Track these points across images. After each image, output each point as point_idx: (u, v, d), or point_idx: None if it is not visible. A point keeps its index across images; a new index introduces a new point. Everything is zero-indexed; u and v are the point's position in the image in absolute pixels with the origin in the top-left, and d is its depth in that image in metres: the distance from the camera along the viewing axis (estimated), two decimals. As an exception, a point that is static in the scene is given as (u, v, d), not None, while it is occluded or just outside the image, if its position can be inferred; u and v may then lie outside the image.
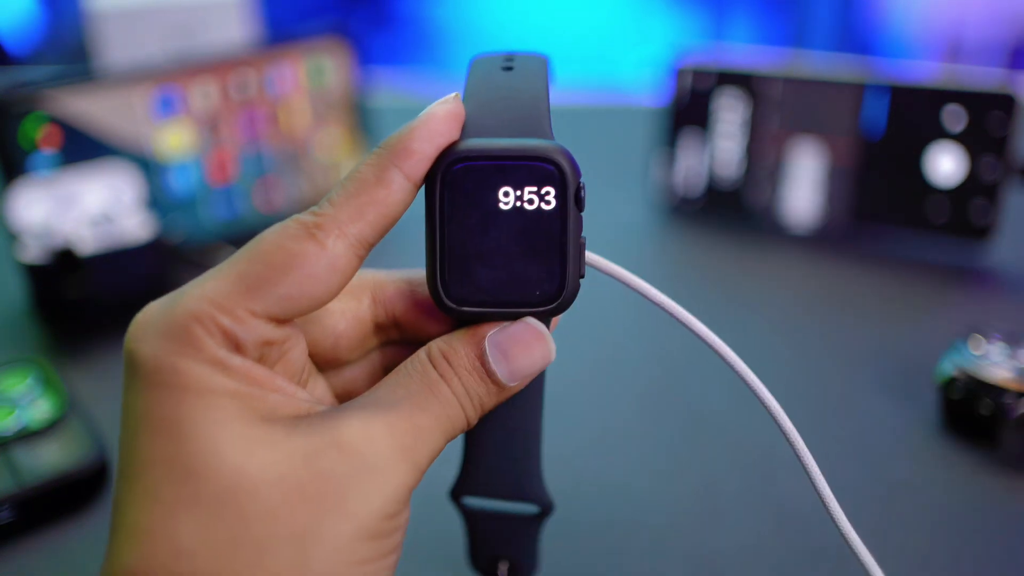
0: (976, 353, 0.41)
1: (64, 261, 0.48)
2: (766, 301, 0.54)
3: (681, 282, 0.57)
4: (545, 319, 0.25)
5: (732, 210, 0.63)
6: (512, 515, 0.30)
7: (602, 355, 0.48)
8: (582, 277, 0.25)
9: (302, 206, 0.62)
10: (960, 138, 0.54)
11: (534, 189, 0.24)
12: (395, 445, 0.23)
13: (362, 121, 0.64)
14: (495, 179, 0.24)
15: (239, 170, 0.60)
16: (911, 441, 0.41)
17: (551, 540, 0.35)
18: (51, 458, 0.38)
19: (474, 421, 0.25)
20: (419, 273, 0.27)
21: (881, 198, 0.58)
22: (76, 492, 0.38)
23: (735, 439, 0.41)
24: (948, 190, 0.55)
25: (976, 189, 0.54)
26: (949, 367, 0.41)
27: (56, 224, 0.49)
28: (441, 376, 0.24)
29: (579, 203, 0.24)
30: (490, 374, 0.25)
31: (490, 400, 0.25)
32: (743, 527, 0.36)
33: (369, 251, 0.24)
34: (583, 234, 0.24)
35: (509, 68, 0.27)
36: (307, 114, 0.62)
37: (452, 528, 0.32)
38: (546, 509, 0.29)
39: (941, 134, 0.55)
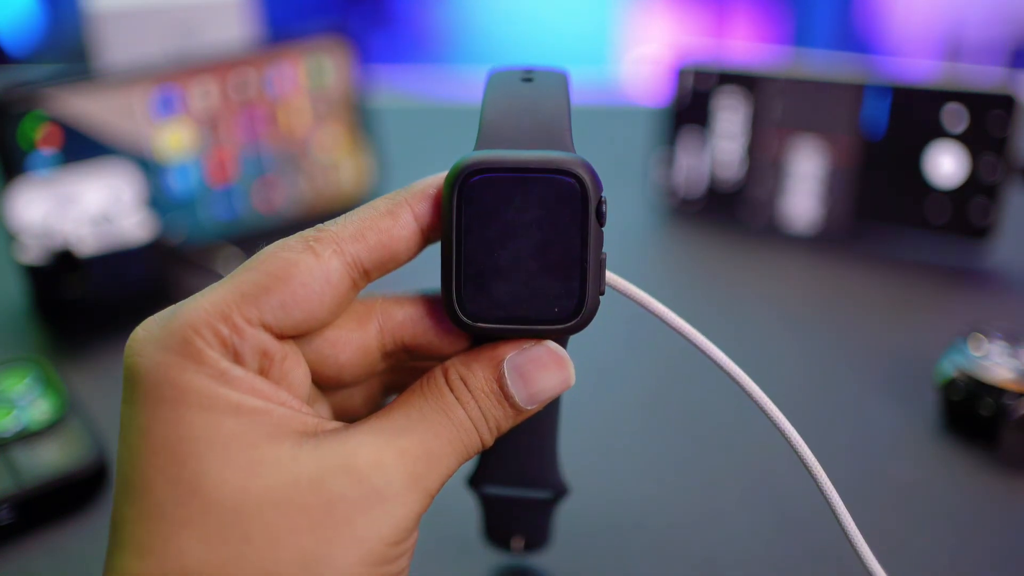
0: (976, 353, 0.41)
1: (63, 261, 0.48)
2: (766, 302, 0.54)
3: (681, 283, 0.57)
4: (563, 336, 0.25)
5: (732, 210, 0.63)
6: (528, 499, 0.30)
7: (603, 359, 0.48)
8: (602, 294, 0.24)
9: (302, 206, 0.62)
10: (961, 138, 0.54)
11: (554, 202, 0.23)
12: (407, 472, 0.23)
13: (362, 121, 0.64)
14: (514, 191, 0.23)
15: (239, 170, 0.60)
16: (911, 441, 0.41)
17: (553, 544, 0.35)
18: (51, 458, 0.38)
19: (489, 443, 0.25)
20: (433, 291, 0.27)
21: (882, 198, 0.58)
22: (76, 492, 0.38)
23: (736, 441, 0.41)
24: (948, 190, 0.55)
25: (976, 189, 0.54)
26: (949, 367, 0.41)
27: (55, 224, 0.49)
28: (457, 399, 0.24)
29: (600, 218, 0.23)
30: (508, 397, 0.24)
31: (506, 423, 0.25)
32: (744, 529, 0.36)
33: (366, 281, 0.24)
34: (604, 250, 0.24)
35: (528, 80, 0.27)
36: (307, 114, 0.62)
37: (464, 505, 0.32)
38: (561, 493, 0.30)
39: (941, 134, 0.55)
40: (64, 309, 0.49)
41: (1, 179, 0.51)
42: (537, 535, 0.32)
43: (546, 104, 0.26)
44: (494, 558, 0.34)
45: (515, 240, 0.23)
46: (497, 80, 0.27)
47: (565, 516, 0.36)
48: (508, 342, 0.25)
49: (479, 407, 0.24)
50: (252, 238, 0.60)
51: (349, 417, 0.28)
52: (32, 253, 0.48)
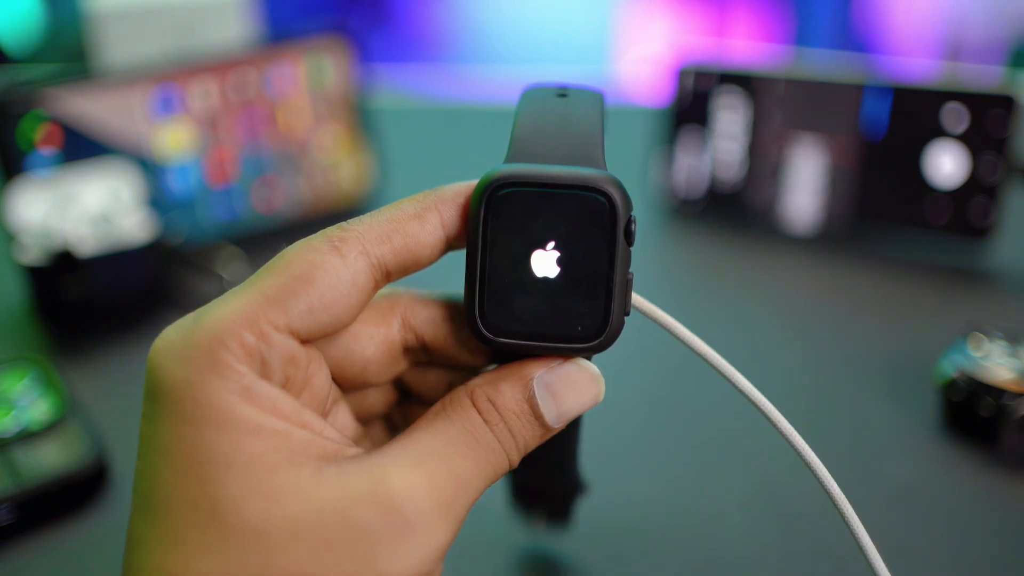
0: (976, 353, 0.41)
1: (63, 262, 0.48)
2: (766, 301, 0.54)
3: (682, 283, 0.57)
4: (585, 357, 0.25)
5: (733, 211, 0.63)
6: (549, 490, 0.31)
7: (604, 360, 0.48)
8: (627, 315, 0.24)
9: (302, 206, 0.62)
10: (961, 138, 0.54)
11: (582, 220, 0.23)
12: (435, 502, 0.22)
13: (362, 121, 0.64)
14: (542, 206, 0.23)
15: (239, 170, 0.60)
16: (911, 441, 0.41)
17: (552, 544, 0.35)
18: (51, 458, 0.38)
19: (516, 463, 0.24)
20: (457, 295, 0.26)
21: (882, 198, 0.58)
22: (76, 492, 0.38)
23: (736, 442, 0.41)
24: (948, 190, 0.55)
25: (976, 189, 0.54)
26: (949, 368, 0.41)
27: (55, 224, 0.49)
28: (486, 421, 0.23)
29: (628, 237, 0.23)
30: (538, 417, 0.24)
31: (534, 442, 0.24)
32: (744, 529, 0.36)
33: (386, 282, 0.24)
34: (631, 269, 0.23)
35: (563, 96, 0.27)
36: (307, 114, 0.62)
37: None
38: (579, 489, 0.31)
39: (942, 134, 0.55)
40: (64, 309, 0.49)
41: (1, 179, 0.51)
42: (559, 516, 0.32)
43: (579, 120, 0.25)
44: (507, 556, 0.34)
45: (540, 256, 0.23)
46: (531, 95, 0.27)
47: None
48: (534, 360, 0.24)
49: (508, 428, 0.23)
50: (252, 238, 0.60)
51: (370, 419, 0.28)
52: (32, 253, 0.48)
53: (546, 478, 0.30)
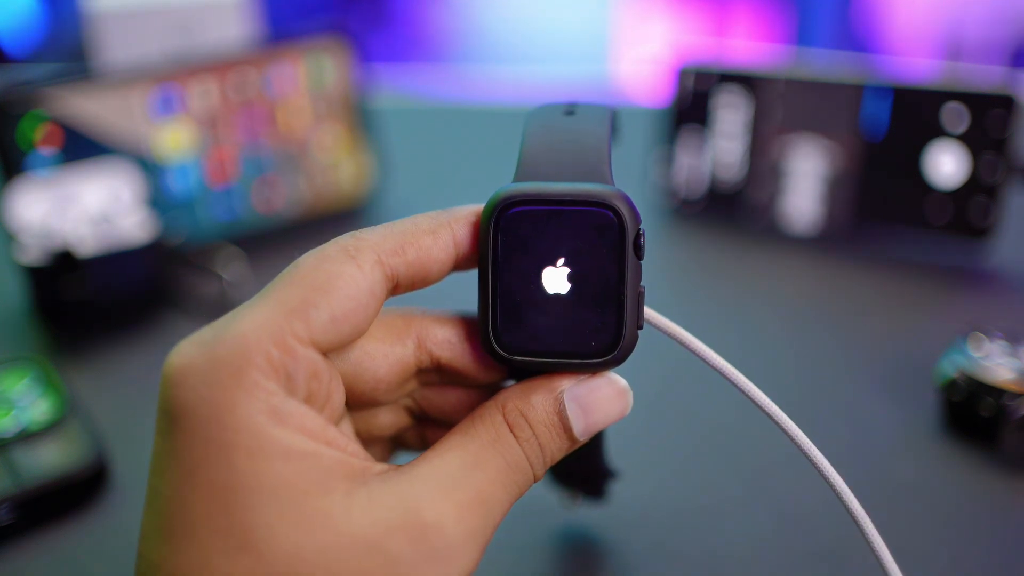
0: (976, 353, 0.41)
1: (63, 261, 0.48)
2: (767, 302, 0.54)
3: (682, 284, 0.57)
4: (600, 371, 0.25)
5: (733, 211, 0.63)
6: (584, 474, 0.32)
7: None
8: (640, 328, 0.24)
9: (302, 206, 0.62)
10: (961, 138, 0.54)
11: (591, 235, 0.23)
12: (466, 529, 0.22)
13: (362, 121, 0.64)
14: (551, 223, 0.23)
15: (239, 170, 0.60)
16: (911, 441, 0.41)
17: (551, 543, 0.35)
18: (51, 458, 0.38)
19: (541, 477, 0.24)
20: (472, 313, 0.26)
21: (882, 198, 0.58)
22: (76, 493, 0.38)
23: (737, 441, 0.41)
24: (949, 190, 0.55)
25: (977, 189, 0.54)
26: (949, 368, 0.41)
27: (55, 224, 0.49)
28: (516, 437, 0.23)
29: (638, 251, 0.23)
30: (566, 429, 0.24)
31: (560, 454, 0.24)
32: (743, 529, 0.36)
33: (393, 295, 0.24)
34: (642, 283, 0.24)
35: (570, 114, 0.27)
36: (307, 114, 0.62)
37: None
38: (611, 474, 0.32)
39: (942, 134, 0.55)
40: (64, 309, 0.49)
41: (1, 179, 0.51)
42: (593, 494, 0.33)
43: (586, 136, 0.25)
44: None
45: (551, 273, 0.23)
46: (538, 113, 0.27)
47: (564, 515, 0.36)
48: (562, 373, 0.24)
49: (538, 441, 0.23)
50: (252, 238, 0.60)
51: (375, 440, 0.28)
52: (32, 253, 0.48)
53: (578, 465, 0.30)
